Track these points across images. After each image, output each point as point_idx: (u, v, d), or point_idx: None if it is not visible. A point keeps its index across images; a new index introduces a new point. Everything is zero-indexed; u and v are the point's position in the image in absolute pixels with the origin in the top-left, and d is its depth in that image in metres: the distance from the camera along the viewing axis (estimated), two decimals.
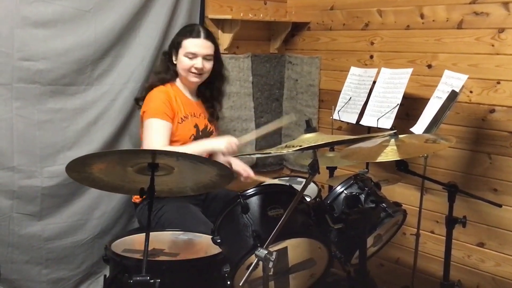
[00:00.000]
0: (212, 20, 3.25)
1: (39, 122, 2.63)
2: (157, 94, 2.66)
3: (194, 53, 2.68)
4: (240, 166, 2.82)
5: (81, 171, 1.89)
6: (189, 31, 2.74)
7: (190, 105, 2.77)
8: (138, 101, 2.77)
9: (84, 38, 2.69)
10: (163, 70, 2.75)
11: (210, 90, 2.88)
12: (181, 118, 2.69)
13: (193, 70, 2.69)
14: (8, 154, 2.57)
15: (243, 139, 2.72)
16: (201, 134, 2.76)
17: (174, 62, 2.73)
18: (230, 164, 2.81)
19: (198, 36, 2.70)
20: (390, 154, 2.04)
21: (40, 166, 2.66)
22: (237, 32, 3.27)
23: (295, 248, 1.93)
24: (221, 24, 3.28)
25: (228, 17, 3.22)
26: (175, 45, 2.72)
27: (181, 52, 2.70)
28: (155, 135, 2.58)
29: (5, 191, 2.58)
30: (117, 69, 2.85)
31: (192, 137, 2.72)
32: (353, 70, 3.11)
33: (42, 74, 2.59)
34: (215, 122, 2.94)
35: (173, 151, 1.83)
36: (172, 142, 2.65)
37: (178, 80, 2.77)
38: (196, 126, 2.74)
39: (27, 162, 2.62)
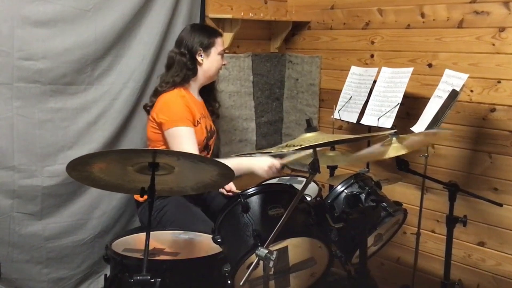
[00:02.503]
0: (213, 19, 3.25)
1: (39, 121, 2.63)
2: (175, 100, 2.62)
3: (224, 51, 2.78)
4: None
5: (81, 171, 1.89)
6: (213, 30, 2.80)
7: (200, 107, 2.76)
8: (146, 107, 2.74)
9: (85, 37, 2.69)
10: (179, 71, 2.67)
11: (211, 88, 2.88)
12: (197, 121, 2.67)
13: (222, 67, 2.81)
14: (9, 153, 2.57)
15: (286, 159, 2.54)
16: (209, 135, 2.76)
17: (201, 61, 2.71)
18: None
19: (221, 34, 2.81)
20: (392, 150, 2.04)
21: (40, 165, 2.66)
22: (238, 32, 3.26)
23: (296, 247, 1.93)
24: (221, 23, 3.28)
25: (229, 16, 3.22)
26: (206, 45, 2.70)
27: (215, 51, 2.73)
28: (186, 144, 2.54)
29: (5, 190, 2.58)
30: (117, 68, 2.85)
31: (205, 139, 2.71)
32: (354, 69, 3.11)
33: (43, 74, 2.59)
34: (216, 121, 2.95)
35: (174, 151, 1.83)
36: None
37: (192, 80, 2.74)
38: (206, 127, 2.74)
39: (28, 162, 2.62)
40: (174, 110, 2.60)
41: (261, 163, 2.50)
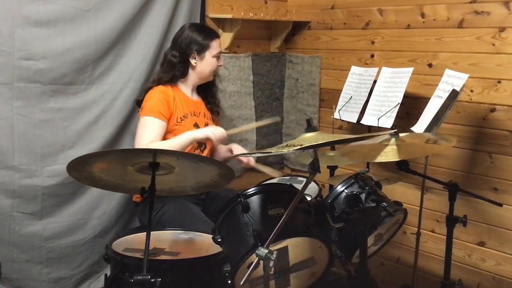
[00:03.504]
0: (213, 19, 3.25)
1: (40, 121, 2.63)
2: (155, 93, 2.67)
3: (220, 53, 2.78)
4: (240, 151, 2.87)
5: (81, 170, 1.89)
6: (209, 32, 2.79)
7: (191, 104, 2.77)
8: (139, 103, 2.77)
9: (85, 37, 2.69)
10: (167, 71, 2.71)
11: (209, 86, 2.89)
12: (180, 118, 2.68)
13: (217, 69, 2.81)
14: (9, 153, 2.57)
15: (230, 131, 2.75)
16: None
17: (194, 64, 2.72)
18: (231, 150, 2.85)
19: (218, 36, 2.81)
20: (390, 154, 2.04)
21: (40, 165, 2.66)
22: (238, 31, 3.27)
23: (296, 247, 1.93)
24: (221, 23, 3.28)
25: (229, 16, 3.22)
26: (200, 47, 2.71)
27: (209, 53, 2.73)
28: (145, 132, 2.59)
29: (5, 190, 2.58)
30: (117, 68, 2.85)
31: None
32: (354, 69, 3.11)
33: (43, 73, 2.59)
34: (217, 119, 2.95)
35: (174, 151, 1.83)
36: None
37: (181, 80, 2.76)
38: (196, 125, 2.74)
39: (28, 161, 2.62)
40: (148, 101, 2.65)
41: (202, 130, 2.63)
